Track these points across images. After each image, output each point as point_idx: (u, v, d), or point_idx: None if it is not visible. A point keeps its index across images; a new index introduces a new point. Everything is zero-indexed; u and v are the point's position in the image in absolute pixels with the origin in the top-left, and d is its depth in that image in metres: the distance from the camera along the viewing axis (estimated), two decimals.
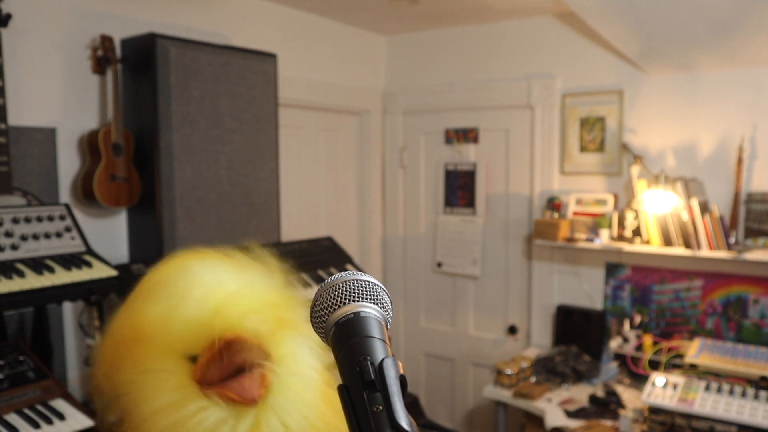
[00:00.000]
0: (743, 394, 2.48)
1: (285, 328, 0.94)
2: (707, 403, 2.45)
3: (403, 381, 0.57)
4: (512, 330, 3.77)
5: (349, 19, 3.70)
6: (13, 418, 1.77)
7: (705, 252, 2.89)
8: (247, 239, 2.83)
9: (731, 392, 2.51)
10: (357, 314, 0.63)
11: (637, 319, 3.28)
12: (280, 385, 0.90)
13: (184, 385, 0.89)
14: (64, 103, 2.45)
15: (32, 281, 1.87)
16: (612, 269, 3.37)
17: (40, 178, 2.36)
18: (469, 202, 3.87)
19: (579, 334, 3.29)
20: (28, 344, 2.18)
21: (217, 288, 0.93)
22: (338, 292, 0.65)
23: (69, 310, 2.45)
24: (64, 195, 2.46)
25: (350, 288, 0.65)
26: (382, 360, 0.58)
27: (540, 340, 3.64)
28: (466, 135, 3.88)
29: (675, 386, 2.58)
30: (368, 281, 0.67)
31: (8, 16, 2.13)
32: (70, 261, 2.03)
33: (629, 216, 3.14)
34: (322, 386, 0.94)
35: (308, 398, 0.92)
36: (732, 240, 2.88)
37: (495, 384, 3.13)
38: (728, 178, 3.06)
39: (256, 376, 0.89)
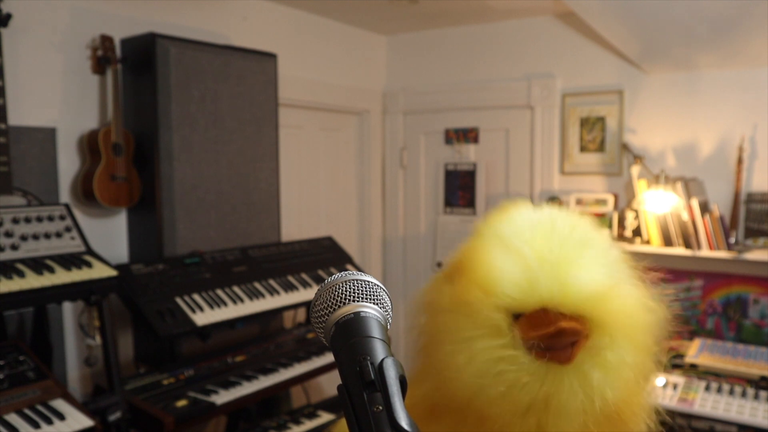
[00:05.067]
0: (743, 394, 2.48)
1: (617, 324, 0.96)
2: (707, 403, 2.45)
3: (403, 381, 0.57)
4: None
5: (349, 19, 3.70)
6: (13, 418, 1.77)
7: (705, 252, 2.89)
8: (247, 239, 2.83)
9: (731, 392, 2.51)
10: (357, 314, 0.63)
11: None
12: (593, 356, 0.95)
13: (501, 331, 0.95)
14: (64, 103, 2.45)
15: (32, 281, 1.87)
16: None
17: (40, 178, 2.36)
18: (469, 202, 3.87)
19: None
20: (28, 344, 2.18)
21: (568, 254, 0.98)
22: (338, 292, 0.65)
23: (69, 310, 2.45)
24: (64, 195, 2.46)
25: (350, 288, 0.65)
26: (383, 360, 0.58)
27: None
28: (466, 135, 3.88)
29: (675, 386, 2.58)
30: (368, 281, 0.67)
31: (8, 16, 2.13)
32: (70, 261, 2.03)
33: (629, 216, 3.14)
34: (629, 385, 0.98)
35: (613, 383, 0.95)
36: (732, 240, 2.88)
37: None
38: (728, 178, 3.06)
39: (569, 348, 0.95)
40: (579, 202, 3.38)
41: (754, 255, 2.78)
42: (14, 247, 1.98)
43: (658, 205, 2.99)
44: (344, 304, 0.64)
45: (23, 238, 2.01)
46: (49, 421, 1.79)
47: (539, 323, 0.94)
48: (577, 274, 0.96)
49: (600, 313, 0.95)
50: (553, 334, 0.93)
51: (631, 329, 0.97)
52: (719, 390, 2.53)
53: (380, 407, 0.54)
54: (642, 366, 0.99)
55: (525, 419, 0.94)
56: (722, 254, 2.84)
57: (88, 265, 2.05)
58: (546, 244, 0.99)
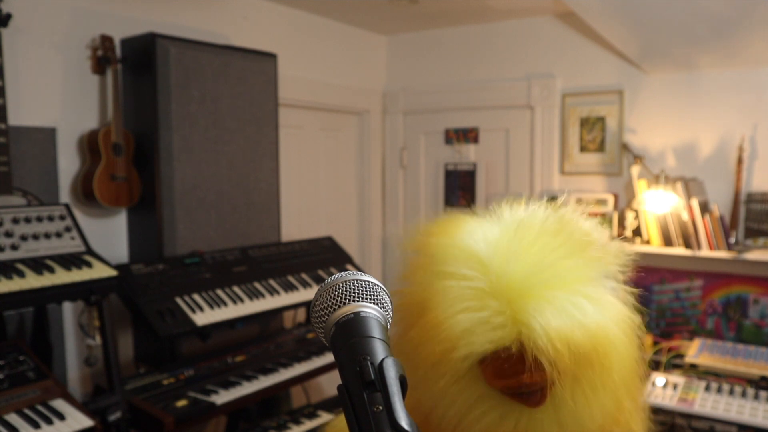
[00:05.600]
0: (743, 394, 2.48)
1: (591, 364, 0.88)
2: (707, 403, 2.45)
3: (403, 381, 0.57)
4: None
5: (349, 19, 3.70)
6: (13, 418, 1.77)
7: (705, 252, 2.89)
8: (247, 239, 2.83)
9: (731, 392, 2.51)
10: (357, 314, 0.63)
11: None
12: (568, 395, 0.88)
13: (470, 377, 0.89)
14: (64, 103, 2.45)
15: (32, 281, 1.87)
16: None
17: (40, 178, 2.35)
18: (469, 202, 3.86)
19: None
20: (28, 344, 2.18)
21: (531, 288, 0.86)
22: (338, 292, 0.65)
23: (69, 310, 2.45)
24: (64, 195, 2.46)
25: (350, 288, 0.65)
26: (383, 360, 0.58)
27: None
28: (466, 135, 3.88)
29: (675, 386, 2.58)
30: (368, 281, 0.67)
31: (8, 16, 2.13)
32: (70, 261, 2.03)
33: (629, 216, 3.14)
34: (613, 415, 0.92)
35: (594, 416, 0.90)
36: (732, 240, 2.88)
37: None
38: (728, 178, 3.06)
39: (537, 393, 0.89)
40: (579, 202, 3.38)
41: (754, 255, 2.78)
42: (14, 247, 1.98)
43: (658, 205, 2.99)
44: (344, 304, 0.64)
45: (23, 238, 2.01)
46: (49, 421, 1.79)
47: (504, 370, 0.87)
48: (543, 313, 0.85)
49: (571, 363, 0.85)
50: (516, 386, 0.87)
51: (607, 370, 0.89)
52: (719, 390, 2.53)
53: (380, 407, 0.54)
54: (626, 394, 0.93)
55: None
56: (722, 254, 2.84)
57: (88, 265, 2.05)
58: (507, 274, 0.87)
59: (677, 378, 2.64)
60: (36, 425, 1.76)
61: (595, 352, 0.87)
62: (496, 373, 0.88)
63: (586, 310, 0.87)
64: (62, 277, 1.94)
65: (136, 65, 2.54)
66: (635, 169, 3.17)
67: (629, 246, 1.01)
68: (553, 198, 1.00)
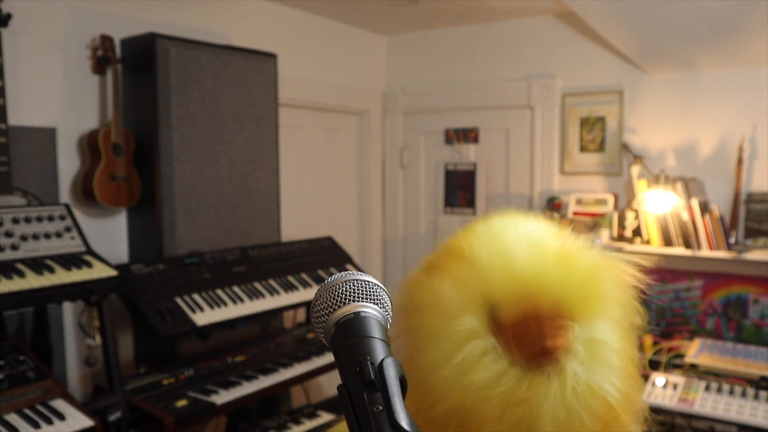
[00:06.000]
0: (743, 394, 2.48)
1: (598, 310, 0.90)
2: (707, 403, 2.45)
3: (403, 381, 0.57)
4: None
5: (349, 19, 3.70)
6: (13, 418, 1.77)
7: (705, 252, 2.89)
8: (247, 239, 2.83)
9: (731, 392, 2.51)
10: (357, 314, 0.63)
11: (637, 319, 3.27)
12: (575, 359, 0.87)
13: (477, 332, 0.87)
14: (64, 103, 2.45)
15: (32, 281, 1.87)
16: None
17: (40, 178, 2.36)
18: (469, 202, 3.87)
19: None
20: (28, 344, 2.18)
21: (540, 249, 0.89)
22: (338, 292, 0.65)
23: (69, 310, 2.45)
24: (64, 195, 2.46)
25: (350, 288, 0.65)
26: (383, 360, 0.58)
27: None
28: (466, 135, 3.88)
29: (675, 386, 2.58)
30: (368, 281, 0.67)
31: (8, 16, 2.13)
32: (70, 261, 2.03)
33: (629, 216, 3.14)
34: (624, 380, 0.89)
35: (601, 389, 0.86)
36: (732, 240, 2.89)
37: None
38: (728, 178, 3.07)
39: (554, 357, 0.87)
40: (579, 202, 3.38)
41: (754, 255, 2.78)
42: (14, 247, 1.98)
43: (658, 205, 2.99)
44: (344, 304, 0.64)
45: (23, 238, 2.01)
46: (49, 421, 1.79)
47: (523, 336, 0.85)
48: (560, 261, 0.89)
49: (586, 297, 0.88)
50: (539, 353, 0.85)
51: (615, 312, 0.91)
52: (719, 390, 2.53)
53: (380, 407, 0.54)
54: (630, 354, 0.91)
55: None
56: (722, 254, 2.84)
57: (88, 265, 2.05)
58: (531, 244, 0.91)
59: (677, 378, 2.64)
60: (36, 425, 1.76)
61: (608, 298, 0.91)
62: (516, 337, 0.86)
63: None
64: (62, 277, 1.94)
65: (136, 65, 2.54)
66: (635, 169, 3.17)
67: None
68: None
